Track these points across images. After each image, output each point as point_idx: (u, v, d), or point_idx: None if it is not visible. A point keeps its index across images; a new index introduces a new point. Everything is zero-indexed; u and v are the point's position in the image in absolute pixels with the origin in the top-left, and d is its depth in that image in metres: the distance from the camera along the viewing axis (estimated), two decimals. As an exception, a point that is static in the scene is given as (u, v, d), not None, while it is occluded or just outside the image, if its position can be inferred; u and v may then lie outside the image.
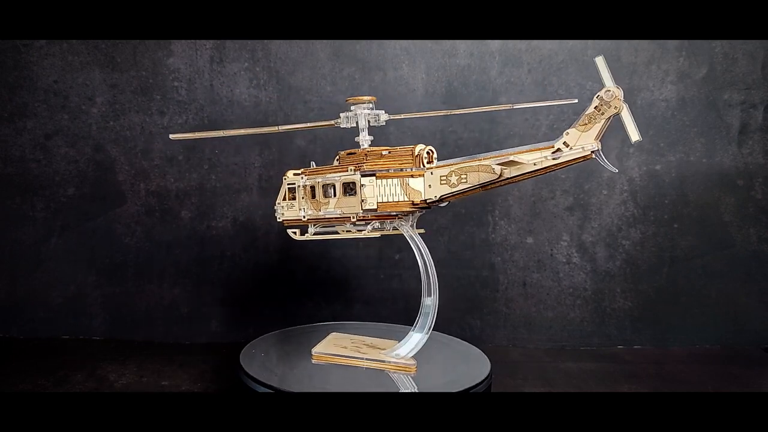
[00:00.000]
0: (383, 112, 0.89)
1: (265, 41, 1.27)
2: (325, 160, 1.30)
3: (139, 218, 1.30)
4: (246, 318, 1.32)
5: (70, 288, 1.31)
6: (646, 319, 1.34)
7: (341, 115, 0.90)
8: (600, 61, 0.71)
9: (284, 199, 0.94)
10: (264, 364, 0.92)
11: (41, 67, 1.25)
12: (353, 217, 0.88)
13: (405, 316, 1.32)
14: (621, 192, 1.32)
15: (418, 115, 0.99)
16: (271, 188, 1.31)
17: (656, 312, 1.34)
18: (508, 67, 1.29)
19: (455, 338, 1.12)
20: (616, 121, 1.36)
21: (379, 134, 0.92)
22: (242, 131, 0.96)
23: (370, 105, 0.89)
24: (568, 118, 1.31)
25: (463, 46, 1.29)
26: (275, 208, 0.95)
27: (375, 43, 1.28)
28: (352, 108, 0.90)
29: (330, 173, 0.90)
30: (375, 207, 0.85)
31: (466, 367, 0.94)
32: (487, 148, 1.31)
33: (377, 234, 0.90)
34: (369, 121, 0.90)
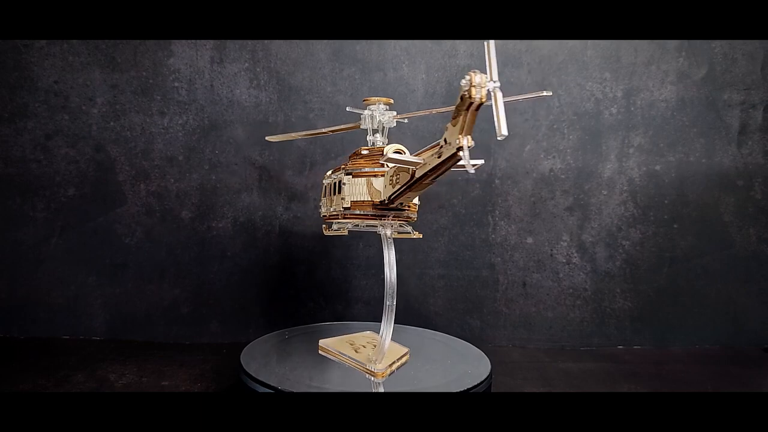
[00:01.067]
0: (394, 113, 0.90)
1: (266, 41, 1.27)
2: (324, 161, 1.31)
3: (139, 218, 1.30)
4: (246, 318, 1.32)
5: (70, 288, 1.31)
6: (645, 320, 1.34)
7: (361, 116, 0.90)
8: (488, 46, 0.61)
9: (324, 196, 0.97)
10: (264, 364, 0.92)
11: (42, 68, 1.25)
12: (340, 215, 0.89)
13: (404, 315, 1.33)
14: (621, 192, 1.32)
15: (422, 113, 0.99)
16: (271, 188, 1.31)
17: (656, 312, 1.34)
18: (508, 67, 1.29)
19: (455, 338, 1.12)
20: (616, 121, 1.37)
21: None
22: (303, 133, 1.00)
23: (385, 107, 0.90)
24: (568, 118, 1.31)
25: (463, 46, 1.29)
26: (319, 204, 0.99)
27: (375, 44, 1.28)
28: (356, 109, 0.91)
29: (338, 172, 0.91)
30: (349, 205, 0.86)
31: (467, 367, 0.94)
32: (487, 149, 1.32)
33: (341, 232, 0.92)
34: (382, 122, 0.90)
